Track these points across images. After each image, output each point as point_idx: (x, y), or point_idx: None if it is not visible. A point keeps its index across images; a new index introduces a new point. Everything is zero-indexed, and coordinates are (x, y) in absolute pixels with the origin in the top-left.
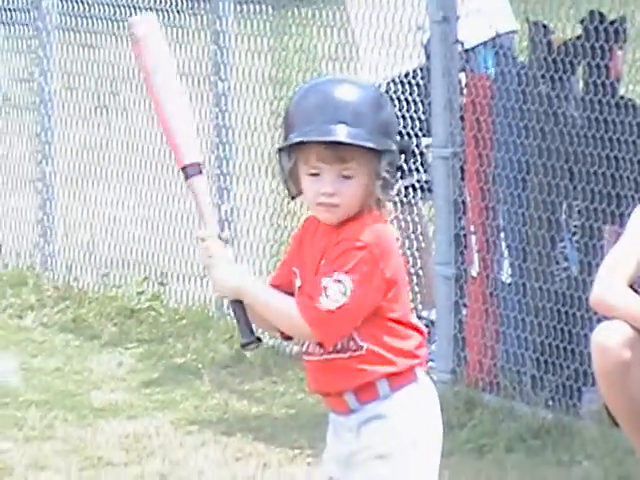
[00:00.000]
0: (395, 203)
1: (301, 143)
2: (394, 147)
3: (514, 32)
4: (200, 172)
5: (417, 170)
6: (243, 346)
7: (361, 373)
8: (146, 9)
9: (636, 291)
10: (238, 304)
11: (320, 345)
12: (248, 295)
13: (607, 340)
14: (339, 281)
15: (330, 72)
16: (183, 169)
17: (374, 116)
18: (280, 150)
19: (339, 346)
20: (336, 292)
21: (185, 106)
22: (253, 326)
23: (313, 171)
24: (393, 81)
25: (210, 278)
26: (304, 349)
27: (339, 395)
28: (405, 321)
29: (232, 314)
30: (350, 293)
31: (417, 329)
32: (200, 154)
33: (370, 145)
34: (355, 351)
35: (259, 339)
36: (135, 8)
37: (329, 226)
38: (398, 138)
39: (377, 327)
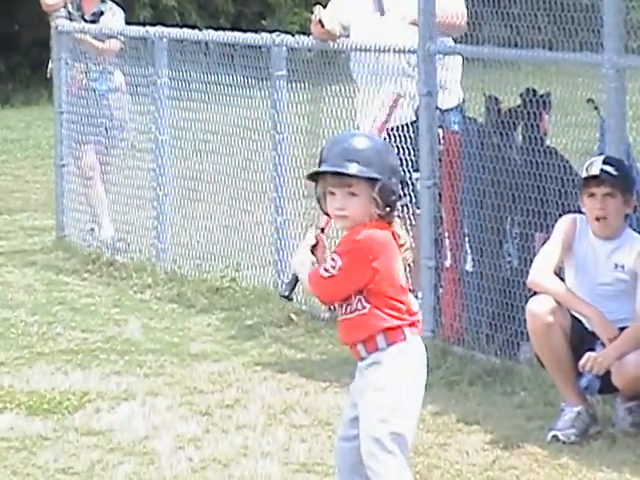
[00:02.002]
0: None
1: (321, 172)
2: (381, 177)
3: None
4: None
5: (410, 195)
6: (281, 296)
7: (365, 326)
8: (225, 85)
9: (559, 277)
10: (295, 276)
11: (321, 302)
12: (300, 276)
13: (537, 308)
14: (334, 260)
15: (349, 128)
16: None
17: (370, 156)
18: (313, 180)
19: (353, 308)
20: (330, 267)
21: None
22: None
23: (331, 190)
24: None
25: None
26: (336, 313)
27: (355, 346)
28: (397, 298)
29: (291, 276)
30: (339, 269)
31: (406, 305)
32: None
33: (353, 173)
34: (362, 310)
35: (291, 298)
36: (222, 85)
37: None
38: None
39: (378, 297)
